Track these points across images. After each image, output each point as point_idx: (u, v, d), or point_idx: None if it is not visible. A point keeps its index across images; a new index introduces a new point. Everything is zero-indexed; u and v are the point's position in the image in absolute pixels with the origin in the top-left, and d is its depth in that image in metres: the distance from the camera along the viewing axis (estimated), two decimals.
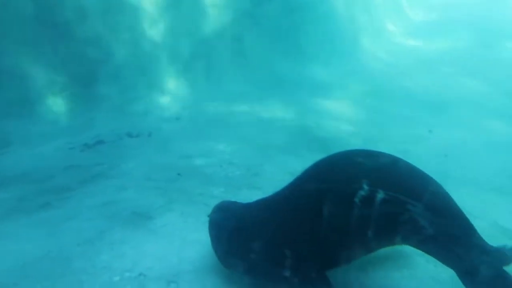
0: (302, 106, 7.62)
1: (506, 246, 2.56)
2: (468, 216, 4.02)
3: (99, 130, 6.16)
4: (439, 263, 3.20)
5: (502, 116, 7.69)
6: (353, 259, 2.50)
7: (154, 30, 7.45)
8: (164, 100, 7.26)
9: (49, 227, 3.59)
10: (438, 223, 2.25)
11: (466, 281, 2.24)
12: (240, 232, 2.74)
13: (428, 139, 6.39)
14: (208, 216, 3.13)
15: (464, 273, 2.25)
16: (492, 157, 5.78)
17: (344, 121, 6.98)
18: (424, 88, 9.27)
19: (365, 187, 2.30)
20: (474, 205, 4.30)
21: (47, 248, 3.25)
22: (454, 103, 8.35)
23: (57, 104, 6.34)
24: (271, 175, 4.77)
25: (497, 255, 2.37)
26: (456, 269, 2.32)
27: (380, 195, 2.26)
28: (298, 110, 7.44)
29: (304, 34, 9.79)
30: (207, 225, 3.59)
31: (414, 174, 2.62)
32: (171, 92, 7.44)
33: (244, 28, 8.89)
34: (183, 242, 3.33)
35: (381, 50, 11.21)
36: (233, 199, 3.52)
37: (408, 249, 3.33)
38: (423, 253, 3.29)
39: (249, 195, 4.09)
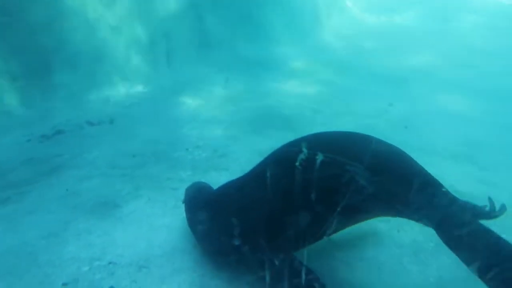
0: (266, 86, 7.62)
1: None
2: None
3: (57, 120, 5.90)
4: (402, 229, 3.37)
5: (457, 87, 8.04)
6: (305, 228, 2.39)
7: (109, 13, 7.15)
8: (125, 86, 7.05)
9: (10, 222, 3.45)
10: (377, 181, 2.24)
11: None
12: (200, 205, 2.86)
13: (389, 112, 6.59)
14: (182, 202, 3.19)
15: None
16: (448, 127, 6.06)
17: (308, 99, 7.06)
18: (383, 63, 9.51)
19: (304, 150, 2.31)
20: (433, 172, 4.49)
21: (9, 243, 3.13)
22: (412, 77, 8.63)
23: (9, 95, 6.01)
24: (238, 156, 4.79)
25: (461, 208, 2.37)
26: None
27: (320, 157, 2.27)
28: (262, 90, 7.44)
29: (266, 14, 9.72)
30: (175, 210, 3.60)
31: (354, 137, 2.65)
32: (131, 77, 7.22)
33: (205, 9, 8.70)
34: (152, 228, 3.31)
35: (342, 27, 11.34)
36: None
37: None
38: (386, 219, 3.45)
39: (217, 177, 4.11)
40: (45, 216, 3.52)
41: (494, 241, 2.05)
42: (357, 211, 2.32)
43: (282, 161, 2.42)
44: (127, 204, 3.70)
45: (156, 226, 3.33)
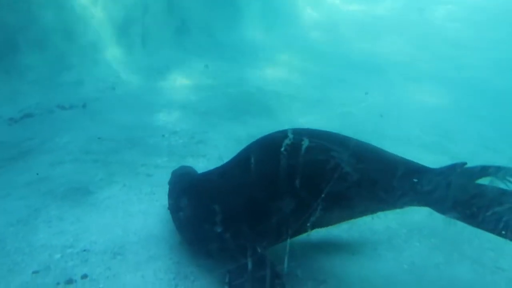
0: (243, 72, 7.56)
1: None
2: None
3: (26, 103, 5.66)
4: (376, 216, 3.43)
5: (432, 77, 8.22)
6: (288, 215, 2.31)
7: None
8: (98, 68, 6.81)
9: None
10: (361, 168, 2.24)
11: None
12: (182, 190, 2.78)
13: (365, 101, 6.68)
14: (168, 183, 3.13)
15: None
16: (421, 116, 6.21)
17: (285, 86, 7.05)
18: (360, 52, 9.60)
19: (290, 135, 2.27)
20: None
21: None
22: (388, 66, 8.76)
23: None
24: (215, 142, 4.74)
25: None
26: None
27: (305, 142, 2.23)
28: (240, 76, 7.37)
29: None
30: (151, 196, 3.54)
31: (334, 133, 2.68)
32: (105, 60, 6.98)
33: None
34: (127, 214, 3.24)
35: (320, 16, 11.33)
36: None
37: None
38: None
39: (194, 164, 4.05)
40: (14, 203, 3.38)
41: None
42: (341, 199, 2.28)
43: (266, 146, 2.35)
44: (101, 191, 3.61)
45: (131, 212, 3.27)
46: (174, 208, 2.77)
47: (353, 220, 3.32)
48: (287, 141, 2.22)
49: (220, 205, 2.36)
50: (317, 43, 9.90)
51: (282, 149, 2.20)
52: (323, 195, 2.11)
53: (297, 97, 6.58)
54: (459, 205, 2.07)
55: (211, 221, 2.34)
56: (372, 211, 2.41)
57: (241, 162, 2.44)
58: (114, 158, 4.28)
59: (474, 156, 4.98)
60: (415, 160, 4.78)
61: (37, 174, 3.88)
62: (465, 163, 2.37)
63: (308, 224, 2.10)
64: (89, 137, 4.79)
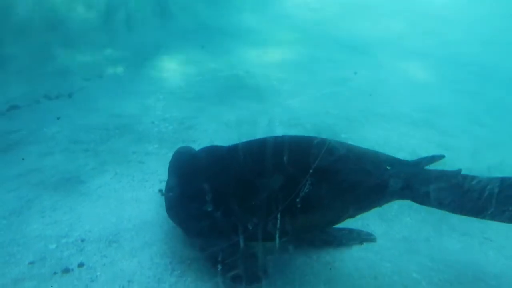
0: (231, 55, 7.49)
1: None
2: (391, 148, 4.39)
3: (11, 94, 5.56)
4: None
5: (419, 55, 8.25)
6: (278, 192, 2.32)
7: None
8: (83, 56, 6.69)
9: None
10: (347, 147, 2.36)
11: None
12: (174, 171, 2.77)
13: (354, 80, 6.69)
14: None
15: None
16: (410, 93, 6.25)
17: (274, 68, 7.02)
18: (348, 32, 9.56)
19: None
20: (396, 137, 4.69)
21: None
22: (376, 45, 8.75)
23: None
24: (205, 127, 4.73)
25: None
26: None
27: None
28: (227, 59, 7.31)
29: None
30: (143, 183, 3.54)
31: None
32: (90, 47, 6.86)
33: None
34: (120, 202, 3.25)
35: None
36: (168, 154, 3.46)
37: None
38: None
39: None
40: (5, 195, 3.36)
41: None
42: (330, 178, 2.31)
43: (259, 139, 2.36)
44: (93, 180, 3.60)
45: (125, 200, 3.27)
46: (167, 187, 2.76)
47: None
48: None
49: (210, 184, 2.37)
50: (305, 24, 9.82)
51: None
52: (311, 171, 2.13)
53: (286, 79, 6.56)
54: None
55: (202, 200, 2.35)
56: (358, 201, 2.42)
57: (231, 147, 2.43)
58: (104, 147, 4.25)
59: (461, 131, 5.06)
60: (406, 137, 4.85)
61: (23, 159, 3.86)
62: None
63: (297, 197, 2.11)
64: (77, 127, 4.74)
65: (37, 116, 5.06)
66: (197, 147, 4.22)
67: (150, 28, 7.83)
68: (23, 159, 3.86)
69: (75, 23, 6.79)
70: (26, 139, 4.46)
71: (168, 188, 2.73)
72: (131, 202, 3.26)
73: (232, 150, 2.60)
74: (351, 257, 2.64)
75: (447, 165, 4.10)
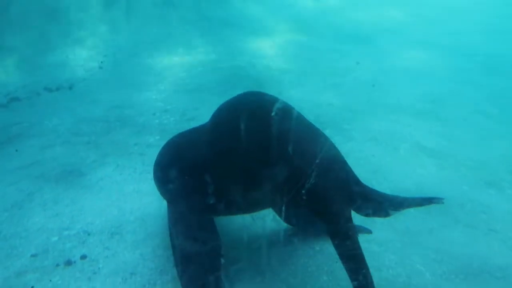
0: (232, 46, 7.42)
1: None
2: (394, 139, 4.35)
3: (11, 86, 5.53)
4: (370, 184, 3.46)
5: (422, 44, 8.15)
6: (282, 183, 2.13)
7: None
8: (83, 48, 6.64)
9: None
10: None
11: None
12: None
13: (356, 70, 6.62)
14: None
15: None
16: (413, 84, 6.18)
17: (276, 58, 6.96)
18: (351, 22, 9.45)
19: (280, 99, 2.19)
20: (400, 128, 4.65)
21: None
22: (379, 35, 8.65)
23: None
24: (207, 118, 4.68)
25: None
26: None
27: (295, 110, 2.18)
28: (229, 50, 7.25)
29: None
30: (145, 175, 3.52)
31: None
32: (90, 39, 6.80)
33: None
34: (122, 194, 3.24)
35: None
36: None
37: None
38: None
39: None
40: (6, 188, 3.35)
41: None
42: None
43: (256, 112, 2.14)
44: (94, 172, 3.58)
45: (126, 192, 3.26)
46: (163, 181, 2.58)
47: None
48: (278, 105, 2.10)
49: (211, 175, 2.20)
50: (307, 14, 9.71)
51: (273, 113, 2.06)
52: (317, 161, 2.03)
53: (288, 69, 6.50)
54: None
55: (205, 192, 2.23)
56: None
57: (229, 128, 2.18)
58: (105, 139, 4.23)
59: (465, 121, 5.01)
60: (410, 128, 4.80)
61: (28, 158, 3.84)
62: None
63: (303, 191, 2.03)
64: (78, 119, 4.72)
65: (38, 109, 5.03)
66: None
67: (151, 18, 7.76)
68: (16, 150, 3.84)
69: (75, 14, 6.72)
70: (27, 131, 4.44)
71: (167, 180, 2.57)
72: (132, 194, 3.24)
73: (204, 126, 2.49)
74: None
75: (449, 156, 4.08)
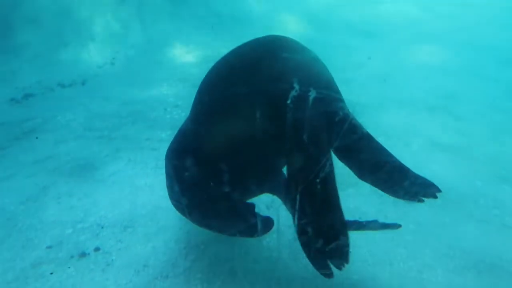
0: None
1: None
2: (406, 134, 4.32)
3: (25, 82, 5.62)
4: None
5: (435, 39, 8.04)
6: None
7: None
8: (95, 44, 6.71)
9: None
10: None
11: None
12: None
13: (368, 65, 6.57)
14: None
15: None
16: (426, 79, 6.11)
17: None
18: (361, 16, 9.36)
19: (296, 86, 2.04)
20: (411, 123, 4.60)
21: None
22: (390, 30, 8.56)
23: None
24: None
25: None
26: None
27: (313, 94, 2.04)
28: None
29: None
30: (156, 170, 3.56)
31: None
32: (102, 35, 6.86)
33: None
34: (134, 188, 3.28)
35: None
36: None
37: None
38: None
39: None
40: (22, 181, 3.42)
41: None
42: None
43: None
44: (107, 166, 3.63)
45: (138, 186, 3.30)
46: (178, 169, 2.48)
47: (358, 184, 3.35)
48: (293, 93, 2.00)
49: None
50: (318, 9, 9.64)
51: (289, 101, 1.98)
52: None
53: None
54: None
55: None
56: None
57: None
58: (118, 134, 4.29)
59: (480, 117, 4.94)
60: (422, 123, 4.75)
61: (43, 152, 3.90)
62: None
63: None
64: (90, 114, 4.78)
65: (52, 104, 5.11)
66: None
67: (162, 15, 7.80)
68: (36, 137, 3.92)
69: (87, 10, 6.79)
70: (41, 126, 4.52)
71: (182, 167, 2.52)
72: (144, 188, 3.28)
73: None
74: (365, 243, 2.62)
75: (463, 151, 4.03)
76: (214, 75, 2.43)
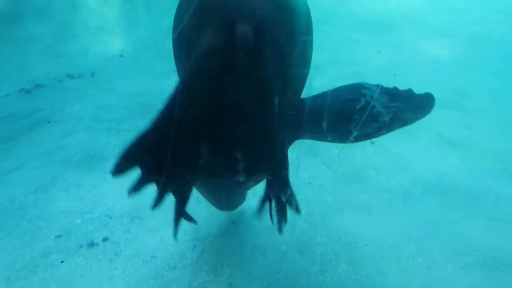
0: None
1: None
2: (415, 128, 4.27)
3: (35, 73, 5.65)
4: (390, 175, 3.43)
5: (444, 33, 7.93)
6: None
7: None
8: (103, 36, 6.71)
9: None
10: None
11: None
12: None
13: (377, 59, 6.50)
14: None
15: None
16: (435, 74, 6.03)
17: None
18: (370, 10, 9.25)
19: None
20: (421, 119, 4.55)
21: None
22: (399, 23, 8.45)
23: None
24: None
25: None
26: None
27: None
28: None
29: None
30: None
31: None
32: (111, 28, 6.86)
33: None
34: None
35: None
36: None
37: (360, 163, 3.52)
38: (375, 166, 3.50)
39: None
40: (31, 172, 3.44)
41: None
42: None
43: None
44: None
45: None
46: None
47: (367, 179, 3.34)
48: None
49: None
50: (326, 2, 9.55)
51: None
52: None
53: None
54: None
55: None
56: None
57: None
58: (126, 126, 4.30)
59: (488, 112, 4.87)
60: (431, 118, 4.69)
61: (52, 143, 3.93)
62: None
63: None
64: (99, 106, 4.79)
65: (61, 95, 5.13)
66: None
67: (170, 7, 7.76)
68: (49, 121, 3.94)
69: (96, 2, 6.79)
70: (50, 117, 4.54)
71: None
72: None
73: None
74: (373, 238, 2.61)
75: (472, 147, 3.99)
76: None
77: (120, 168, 1.41)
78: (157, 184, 1.57)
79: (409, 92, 2.15)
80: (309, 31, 1.80)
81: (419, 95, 2.13)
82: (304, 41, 1.76)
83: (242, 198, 2.47)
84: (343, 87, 2.11)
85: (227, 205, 2.41)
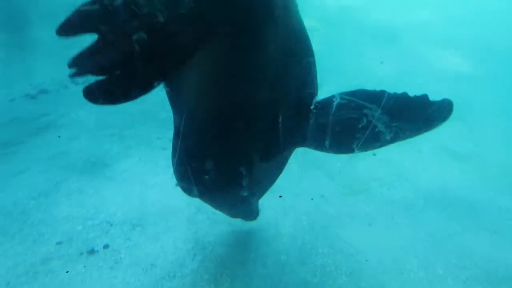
0: None
1: None
2: (418, 140, 4.27)
3: (40, 78, 5.68)
4: (392, 186, 3.42)
5: (449, 44, 7.94)
6: None
7: None
8: None
9: None
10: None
11: None
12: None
13: (380, 70, 6.52)
14: None
15: None
16: (438, 84, 6.02)
17: None
18: (374, 19, 9.30)
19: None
20: (426, 132, 4.55)
21: None
22: (403, 33, 8.48)
23: None
24: None
25: None
26: None
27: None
28: None
29: None
30: (167, 169, 3.57)
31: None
32: None
33: None
34: (144, 186, 3.29)
35: None
36: None
37: (362, 174, 3.52)
38: (377, 177, 3.49)
39: None
40: (35, 177, 3.46)
41: None
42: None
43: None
44: (118, 164, 3.66)
45: (149, 185, 3.31)
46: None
47: (369, 190, 3.34)
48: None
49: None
50: (330, 10, 9.61)
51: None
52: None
53: None
54: None
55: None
56: None
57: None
58: (129, 132, 4.31)
59: (494, 126, 4.86)
60: (436, 131, 4.67)
61: (56, 148, 3.95)
62: None
63: None
64: (103, 112, 4.81)
65: (65, 101, 5.16)
66: None
67: None
68: (59, 136, 3.99)
69: None
70: (54, 123, 4.56)
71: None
72: (154, 187, 3.29)
73: None
74: (375, 250, 2.60)
75: (475, 160, 3.98)
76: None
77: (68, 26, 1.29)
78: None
79: (424, 98, 2.14)
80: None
81: (435, 102, 2.12)
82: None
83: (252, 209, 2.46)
84: (347, 101, 2.12)
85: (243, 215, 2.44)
